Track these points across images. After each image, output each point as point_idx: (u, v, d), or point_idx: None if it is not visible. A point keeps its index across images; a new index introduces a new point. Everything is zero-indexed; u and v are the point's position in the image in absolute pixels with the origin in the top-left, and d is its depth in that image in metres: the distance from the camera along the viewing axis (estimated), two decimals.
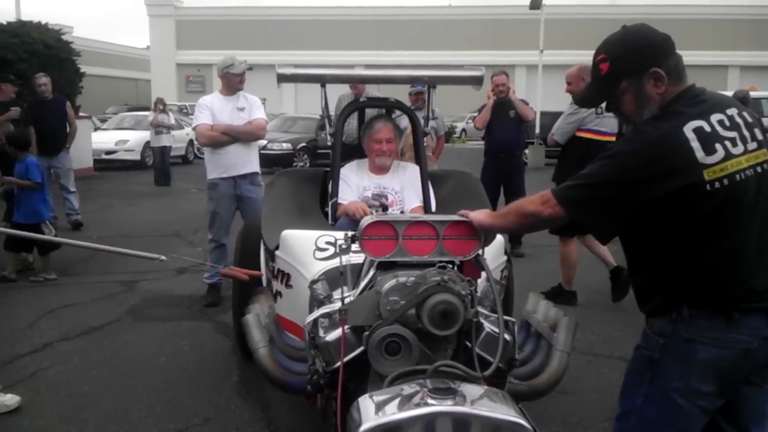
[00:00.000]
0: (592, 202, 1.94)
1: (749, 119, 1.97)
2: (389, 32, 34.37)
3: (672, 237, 1.92)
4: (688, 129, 1.86)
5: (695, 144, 1.85)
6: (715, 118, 1.91)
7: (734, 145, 1.89)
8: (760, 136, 1.94)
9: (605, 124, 5.34)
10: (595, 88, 2.09)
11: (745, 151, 1.90)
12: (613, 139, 5.20)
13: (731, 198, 1.86)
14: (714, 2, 34.15)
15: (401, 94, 5.29)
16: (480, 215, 2.21)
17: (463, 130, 31.15)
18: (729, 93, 6.37)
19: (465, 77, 3.97)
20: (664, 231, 1.92)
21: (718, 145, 1.86)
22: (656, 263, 1.99)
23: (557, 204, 1.98)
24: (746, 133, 1.93)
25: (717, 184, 1.84)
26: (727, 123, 1.92)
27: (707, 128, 1.88)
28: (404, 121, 4.51)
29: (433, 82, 4.03)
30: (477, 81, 3.86)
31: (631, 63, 1.97)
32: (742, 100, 7.20)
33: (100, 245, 3.92)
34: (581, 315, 4.61)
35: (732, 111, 1.95)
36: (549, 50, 24.02)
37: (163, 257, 3.46)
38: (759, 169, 1.91)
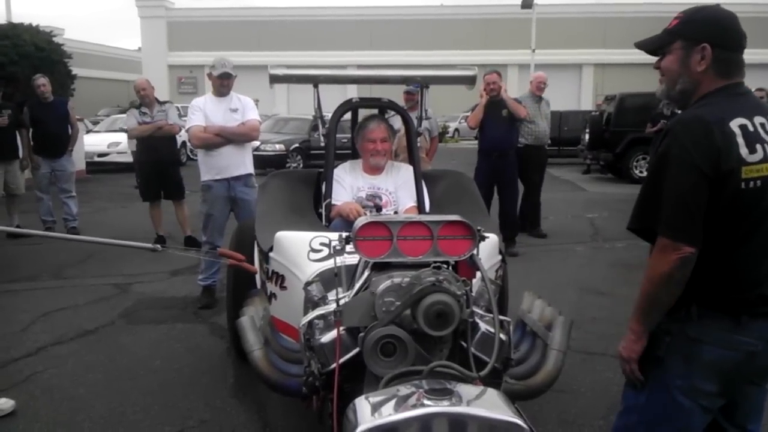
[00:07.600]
0: (692, 215, 1.84)
1: None
2: (381, 32, 34.35)
3: None
4: (735, 124, 1.87)
5: (740, 140, 1.85)
6: (758, 120, 1.91)
7: None
8: None
9: None
10: (657, 35, 2.09)
11: None
12: None
13: (760, 200, 1.86)
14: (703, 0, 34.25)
15: (393, 94, 5.29)
16: (626, 340, 2.04)
17: (456, 129, 31.17)
18: None
19: (458, 77, 3.98)
20: None
21: (758, 146, 1.87)
22: None
23: (678, 242, 1.85)
24: None
25: (751, 184, 1.85)
26: None
27: (751, 127, 1.88)
28: (397, 122, 4.50)
29: (426, 82, 4.02)
30: (470, 81, 3.87)
31: (693, 29, 1.98)
32: None
33: (97, 238, 3.91)
34: (576, 313, 4.61)
35: None
36: (541, 49, 24.06)
37: (159, 246, 3.46)
38: None
